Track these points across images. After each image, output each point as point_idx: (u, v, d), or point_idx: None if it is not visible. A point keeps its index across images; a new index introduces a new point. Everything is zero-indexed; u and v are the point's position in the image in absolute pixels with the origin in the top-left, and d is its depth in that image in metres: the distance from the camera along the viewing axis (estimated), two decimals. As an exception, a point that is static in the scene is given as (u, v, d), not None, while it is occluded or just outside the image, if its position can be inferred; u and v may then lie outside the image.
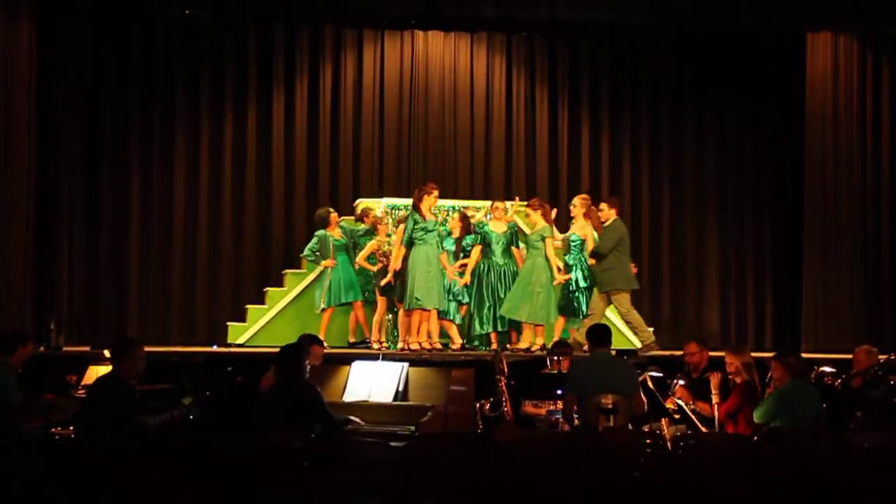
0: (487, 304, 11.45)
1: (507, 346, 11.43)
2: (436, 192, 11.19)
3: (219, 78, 13.84)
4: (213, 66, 13.86)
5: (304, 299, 12.29)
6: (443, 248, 11.29)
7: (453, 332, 11.40)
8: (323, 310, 11.66)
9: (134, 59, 13.67)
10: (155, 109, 13.71)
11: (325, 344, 10.83)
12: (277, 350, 7.61)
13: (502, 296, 11.38)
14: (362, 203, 12.50)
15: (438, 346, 11.13)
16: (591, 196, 12.80)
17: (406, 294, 10.98)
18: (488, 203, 12.16)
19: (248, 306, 12.61)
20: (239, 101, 13.89)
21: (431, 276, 10.97)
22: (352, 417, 7.77)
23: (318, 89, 14.06)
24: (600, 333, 8.12)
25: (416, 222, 11.00)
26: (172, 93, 13.74)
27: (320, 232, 11.79)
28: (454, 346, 11.26)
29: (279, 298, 12.36)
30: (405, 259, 11.05)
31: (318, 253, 11.71)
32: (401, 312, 11.24)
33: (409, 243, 11.02)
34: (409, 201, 11.49)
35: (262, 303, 12.53)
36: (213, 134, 13.81)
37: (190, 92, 13.78)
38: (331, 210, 12.03)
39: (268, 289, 12.67)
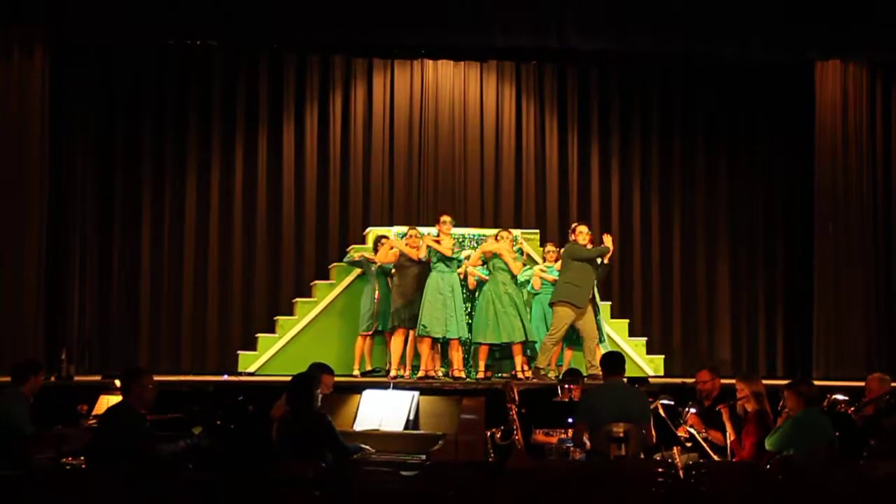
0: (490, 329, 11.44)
1: (515, 374, 11.44)
2: (444, 219, 11.43)
3: (230, 107, 13.91)
4: (224, 95, 13.93)
5: (314, 327, 12.32)
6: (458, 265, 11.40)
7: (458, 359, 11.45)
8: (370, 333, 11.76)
9: (146, 89, 13.75)
10: (166, 140, 13.78)
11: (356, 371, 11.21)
12: (289, 379, 7.59)
13: (505, 322, 11.37)
14: (373, 231, 12.52)
15: (460, 373, 11.27)
16: (601, 223, 12.90)
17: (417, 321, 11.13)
18: (495, 231, 12.13)
19: (259, 335, 12.64)
20: (250, 131, 13.95)
21: (440, 303, 11.01)
22: (363, 446, 7.74)
23: (328, 118, 14.11)
24: (614, 362, 8.09)
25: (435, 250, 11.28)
26: (184, 123, 13.81)
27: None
28: (455, 373, 11.29)
29: (290, 327, 12.38)
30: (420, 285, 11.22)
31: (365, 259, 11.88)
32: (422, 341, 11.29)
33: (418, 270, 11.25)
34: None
35: (273, 331, 12.55)
36: (224, 163, 13.87)
37: (201, 121, 13.84)
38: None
39: (279, 317, 12.69)
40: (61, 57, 13.00)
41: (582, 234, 11.52)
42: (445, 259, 11.26)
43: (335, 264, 12.78)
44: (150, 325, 13.48)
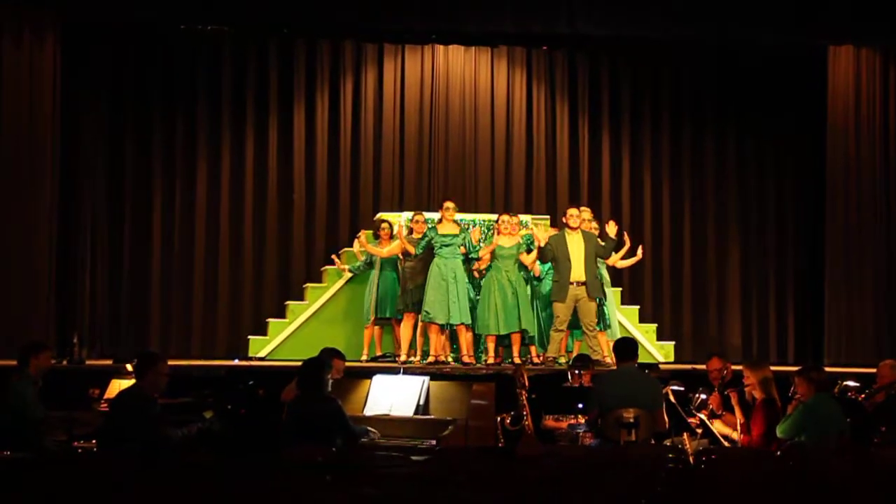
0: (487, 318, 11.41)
1: (528, 359, 11.45)
2: (447, 205, 11.45)
3: (240, 93, 13.91)
4: (235, 80, 13.92)
5: (324, 313, 12.36)
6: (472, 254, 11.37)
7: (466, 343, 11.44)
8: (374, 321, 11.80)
9: (155, 75, 13.76)
10: (177, 125, 13.79)
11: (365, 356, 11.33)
12: (299, 363, 7.62)
13: (510, 312, 11.34)
14: (382, 216, 12.53)
15: (469, 359, 11.25)
16: (612, 209, 12.87)
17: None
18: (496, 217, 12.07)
19: (269, 320, 12.66)
20: (260, 116, 13.95)
21: (442, 289, 11.04)
22: (369, 428, 7.77)
23: (338, 104, 14.11)
24: (627, 348, 8.11)
25: (434, 234, 11.24)
26: (194, 109, 13.82)
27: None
28: (465, 359, 11.29)
29: (300, 312, 12.41)
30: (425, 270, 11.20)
31: (368, 265, 11.94)
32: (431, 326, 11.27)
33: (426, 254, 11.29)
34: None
35: (283, 317, 12.57)
36: (235, 149, 13.88)
37: (211, 107, 13.85)
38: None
39: (289, 302, 12.71)
40: (72, 40, 13.00)
41: (573, 217, 11.44)
42: (447, 244, 11.24)
43: (345, 250, 12.79)
44: (160, 309, 13.51)
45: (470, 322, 11.34)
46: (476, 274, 11.61)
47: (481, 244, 11.63)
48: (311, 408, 7.18)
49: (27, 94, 12.54)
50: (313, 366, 7.47)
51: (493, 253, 11.45)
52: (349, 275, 12.32)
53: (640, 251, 12.16)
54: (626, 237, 11.95)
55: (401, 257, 11.69)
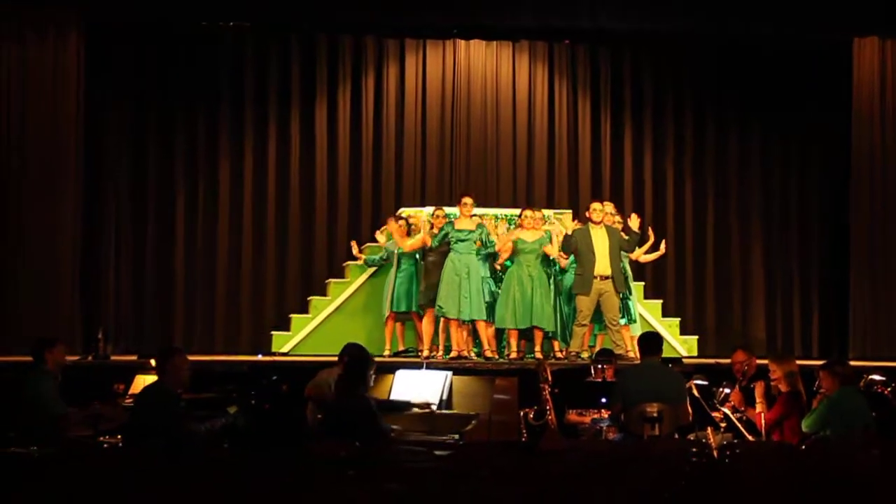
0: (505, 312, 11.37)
1: (551, 354, 11.42)
2: (465, 200, 11.38)
3: (262, 90, 13.92)
4: (257, 77, 13.93)
5: (347, 308, 12.37)
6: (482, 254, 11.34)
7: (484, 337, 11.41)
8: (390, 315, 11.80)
9: (178, 73, 13.77)
10: (199, 123, 13.81)
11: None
12: (322, 358, 7.63)
13: (529, 307, 11.29)
14: (405, 211, 12.53)
15: (492, 354, 11.23)
16: (634, 204, 12.82)
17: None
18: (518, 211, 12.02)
19: (292, 315, 12.68)
20: (282, 112, 13.96)
21: (455, 284, 11.03)
22: (392, 426, 7.78)
23: (360, 99, 14.11)
24: (651, 342, 8.08)
25: (450, 229, 11.24)
26: (216, 106, 13.83)
27: (389, 243, 11.94)
28: (487, 354, 11.28)
29: (323, 307, 12.41)
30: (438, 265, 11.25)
31: (385, 259, 11.96)
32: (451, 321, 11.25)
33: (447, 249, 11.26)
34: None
35: (306, 312, 12.58)
36: (257, 146, 13.89)
37: (233, 105, 13.86)
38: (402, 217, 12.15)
39: (311, 298, 12.72)
40: (95, 40, 13.07)
41: (596, 211, 11.40)
42: (463, 239, 11.21)
43: (368, 245, 12.80)
44: (184, 305, 13.55)
45: (485, 317, 11.29)
46: (497, 267, 11.57)
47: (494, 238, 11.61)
48: (347, 405, 7.16)
49: (51, 94, 12.62)
50: (358, 361, 7.45)
51: (514, 247, 11.40)
52: (369, 269, 12.32)
53: (663, 246, 12.11)
54: (650, 232, 11.91)
55: (423, 251, 11.68)
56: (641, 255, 11.98)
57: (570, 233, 11.32)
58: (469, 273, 11.14)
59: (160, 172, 13.68)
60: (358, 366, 7.40)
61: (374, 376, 7.48)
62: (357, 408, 7.15)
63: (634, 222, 11.53)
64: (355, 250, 12.38)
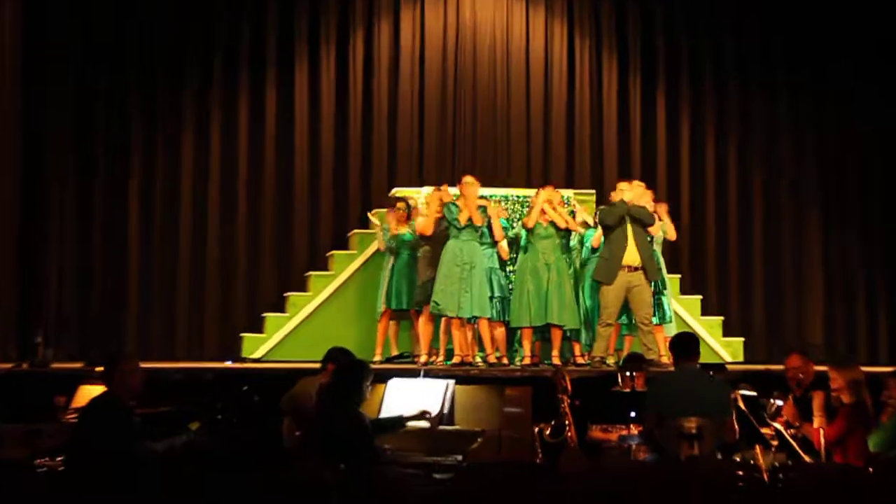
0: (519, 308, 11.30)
1: (571, 359, 11.38)
2: (466, 179, 11.29)
3: (232, 51, 13.89)
4: (227, 37, 13.90)
5: (331, 306, 12.37)
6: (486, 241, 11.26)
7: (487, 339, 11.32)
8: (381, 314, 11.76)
9: (133, 35, 13.66)
10: (157, 91, 13.75)
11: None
12: (301, 365, 7.57)
13: (546, 301, 11.22)
14: (398, 193, 12.47)
15: (493, 359, 11.13)
16: (668, 185, 12.77)
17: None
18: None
19: (267, 315, 12.65)
20: (256, 78, 13.94)
21: (455, 277, 10.92)
22: (386, 446, 7.72)
23: (347, 62, 14.10)
24: (686, 345, 7.99)
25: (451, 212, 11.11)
26: (178, 71, 13.78)
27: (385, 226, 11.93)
28: (489, 358, 11.21)
29: (302, 305, 12.42)
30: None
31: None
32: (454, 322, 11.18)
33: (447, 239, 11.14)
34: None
35: (283, 311, 12.56)
36: (226, 115, 13.87)
37: (198, 69, 13.82)
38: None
39: (289, 294, 12.70)
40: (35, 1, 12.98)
41: (624, 192, 11.32)
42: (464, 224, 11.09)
43: (356, 231, 12.73)
44: (139, 302, 13.47)
45: (490, 315, 11.20)
46: (503, 254, 11.49)
47: (512, 224, 11.55)
48: (337, 420, 7.08)
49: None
50: (353, 369, 7.39)
51: (530, 232, 11.31)
52: (358, 259, 12.32)
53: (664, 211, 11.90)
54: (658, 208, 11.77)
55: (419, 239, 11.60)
56: (658, 229, 11.77)
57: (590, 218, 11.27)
58: (473, 264, 11.04)
59: (111, 148, 13.61)
60: (353, 372, 7.34)
61: (370, 387, 7.42)
62: (347, 423, 7.09)
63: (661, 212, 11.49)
64: (374, 222, 12.23)
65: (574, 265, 11.62)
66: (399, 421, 7.94)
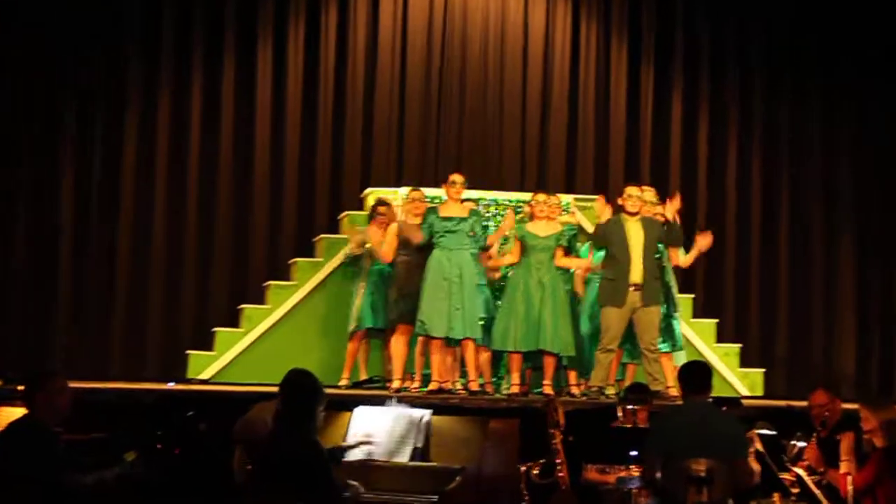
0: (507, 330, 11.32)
1: (565, 389, 11.40)
2: (453, 179, 11.28)
3: (183, 27, 13.88)
4: (178, 12, 13.88)
5: (292, 321, 12.39)
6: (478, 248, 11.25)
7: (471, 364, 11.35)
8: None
9: (69, 8, 13.61)
10: (96, 72, 13.72)
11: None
12: (256, 388, 7.58)
13: (538, 325, 11.23)
14: (374, 193, 12.48)
15: (475, 386, 11.16)
16: (684, 191, 12.80)
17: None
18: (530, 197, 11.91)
19: (217, 329, 12.66)
20: (212, 59, 13.97)
21: (442, 292, 10.92)
22: (351, 482, 7.71)
23: (318, 43, 14.15)
24: (697, 375, 7.99)
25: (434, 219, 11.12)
26: (118, 51, 13.74)
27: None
28: (472, 386, 11.24)
29: (259, 319, 12.42)
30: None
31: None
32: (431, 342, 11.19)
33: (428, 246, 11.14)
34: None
35: (237, 325, 12.58)
36: (177, 102, 13.89)
37: (142, 48, 13.78)
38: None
39: (244, 306, 12.71)
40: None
41: (631, 198, 11.34)
42: (451, 231, 11.10)
43: (323, 236, 12.74)
44: (69, 313, 13.44)
45: (479, 337, 11.22)
46: (492, 276, 11.49)
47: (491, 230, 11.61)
48: (289, 451, 7.08)
49: None
50: (304, 390, 7.37)
51: (522, 244, 11.32)
52: (324, 269, 12.34)
53: (707, 239, 11.88)
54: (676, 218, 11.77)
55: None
56: (682, 257, 11.83)
57: (601, 222, 11.28)
58: (462, 276, 11.04)
59: (40, 133, 13.59)
60: (302, 396, 7.33)
61: (322, 414, 7.42)
62: (300, 453, 7.08)
63: (670, 209, 11.43)
64: (346, 229, 12.27)
65: (572, 282, 11.62)
66: (335, 453, 7.87)
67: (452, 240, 11.10)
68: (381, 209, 11.82)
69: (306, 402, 7.23)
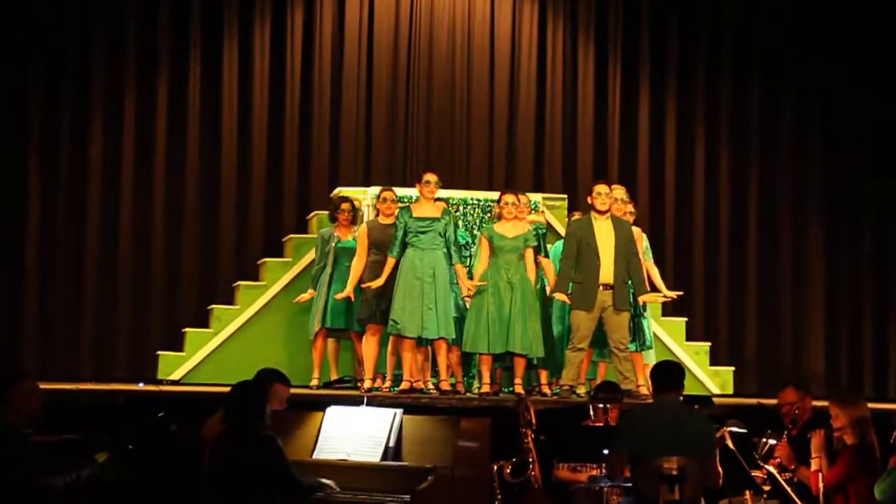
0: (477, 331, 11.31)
1: (536, 388, 11.41)
2: (427, 178, 11.18)
3: (148, 25, 13.83)
4: (142, 11, 13.81)
5: (262, 321, 12.39)
6: (453, 255, 11.19)
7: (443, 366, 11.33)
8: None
9: (34, 10, 13.56)
10: (64, 69, 13.67)
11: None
12: (227, 388, 7.56)
13: (508, 326, 11.22)
14: (342, 193, 12.47)
15: (446, 386, 11.14)
16: (651, 189, 12.86)
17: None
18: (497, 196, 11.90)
19: (187, 329, 12.65)
20: (178, 57, 13.93)
21: (415, 291, 10.90)
22: (324, 481, 7.72)
23: (283, 40, 14.14)
24: (669, 374, 8.02)
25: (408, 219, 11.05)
26: (85, 50, 13.69)
27: (324, 230, 11.89)
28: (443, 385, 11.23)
29: (229, 320, 12.42)
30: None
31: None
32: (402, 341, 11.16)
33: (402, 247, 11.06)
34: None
35: (206, 326, 12.58)
36: (142, 100, 13.82)
37: (107, 47, 13.72)
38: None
39: (214, 307, 12.70)
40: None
41: (601, 196, 11.33)
42: (424, 230, 11.06)
43: (292, 236, 12.72)
44: (37, 312, 13.40)
45: (453, 336, 11.22)
46: (466, 291, 11.42)
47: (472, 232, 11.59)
48: (241, 448, 7.10)
49: None
50: (247, 391, 7.40)
51: (490, 245, 11.29)
52: (294, 268, 12.40)
53: (673, 294, 11.97)
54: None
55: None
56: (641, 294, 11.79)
57: (569, 226, 11.30)
58: (434, 275, 11.02)
59: (8, 130, 13.51)
60: (249, 394, 7.35)
61: (270, 412, 7.43)
62: (262, 451, 7.09)
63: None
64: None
65: (541, 282, 11.61)
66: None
67: (425, 240, 11.07)
68: (344, 206, 11.83)
69: (250, 399, 7.26)
